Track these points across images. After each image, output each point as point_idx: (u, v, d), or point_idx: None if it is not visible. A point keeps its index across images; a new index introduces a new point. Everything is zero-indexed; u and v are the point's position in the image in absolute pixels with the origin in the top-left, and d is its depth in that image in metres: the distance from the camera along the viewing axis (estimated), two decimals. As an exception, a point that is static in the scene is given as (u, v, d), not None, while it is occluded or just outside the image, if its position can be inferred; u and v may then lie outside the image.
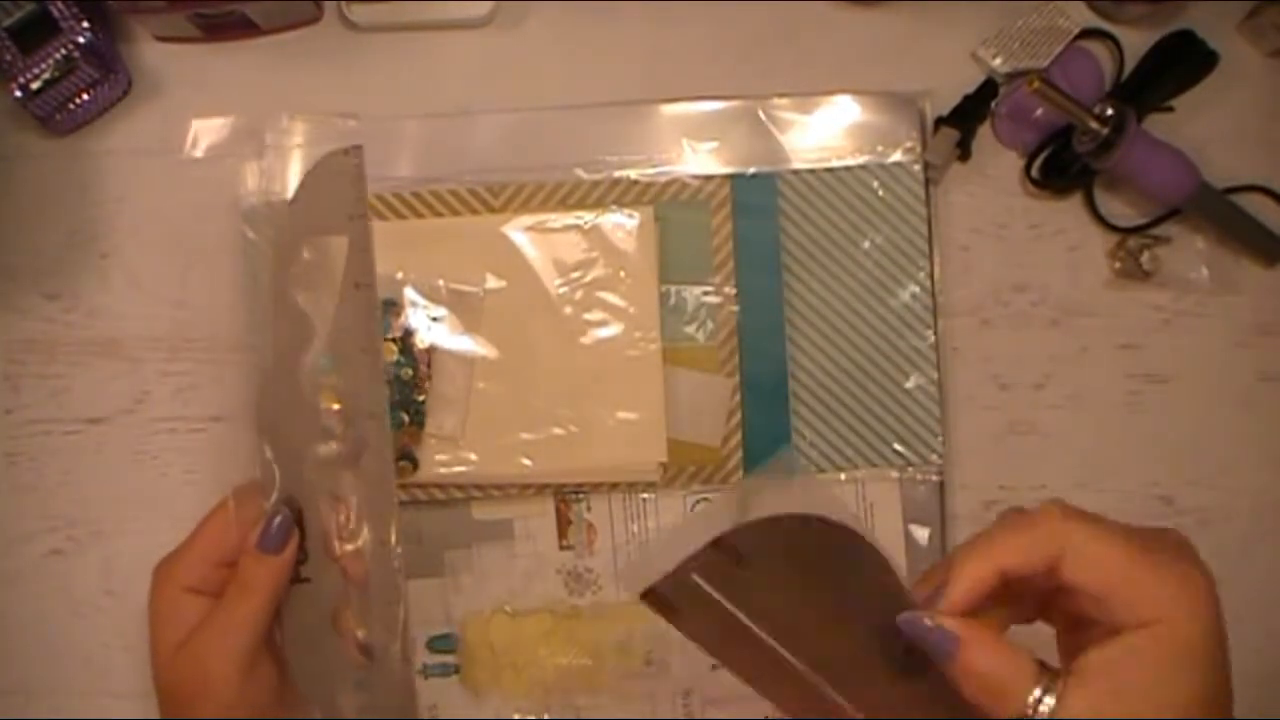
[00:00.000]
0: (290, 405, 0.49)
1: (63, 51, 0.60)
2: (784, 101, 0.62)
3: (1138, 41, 0.63)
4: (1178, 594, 0.39)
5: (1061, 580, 0.40)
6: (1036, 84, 0.59)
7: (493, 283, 0.60)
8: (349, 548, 0.50)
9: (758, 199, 0.61)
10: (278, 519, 0.49)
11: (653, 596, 0.41)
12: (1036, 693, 0.39)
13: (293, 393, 0.49)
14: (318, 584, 0.50)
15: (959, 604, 0.41)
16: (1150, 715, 0.38)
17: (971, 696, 0.40)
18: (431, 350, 0.60)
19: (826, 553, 0.42)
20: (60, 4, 0.60)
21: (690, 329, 0.61)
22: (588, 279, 0.60)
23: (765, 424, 0.61)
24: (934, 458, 0.61)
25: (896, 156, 0.62)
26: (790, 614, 0.42)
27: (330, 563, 0.49)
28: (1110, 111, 0.60)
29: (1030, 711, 0.39)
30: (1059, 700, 0.39)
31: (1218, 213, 0.62)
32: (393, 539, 0.49)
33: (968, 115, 0.62)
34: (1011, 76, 0.63)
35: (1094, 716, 0.38)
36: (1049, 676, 0.39)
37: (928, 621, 0.40)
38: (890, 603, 0.41)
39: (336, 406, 0.59)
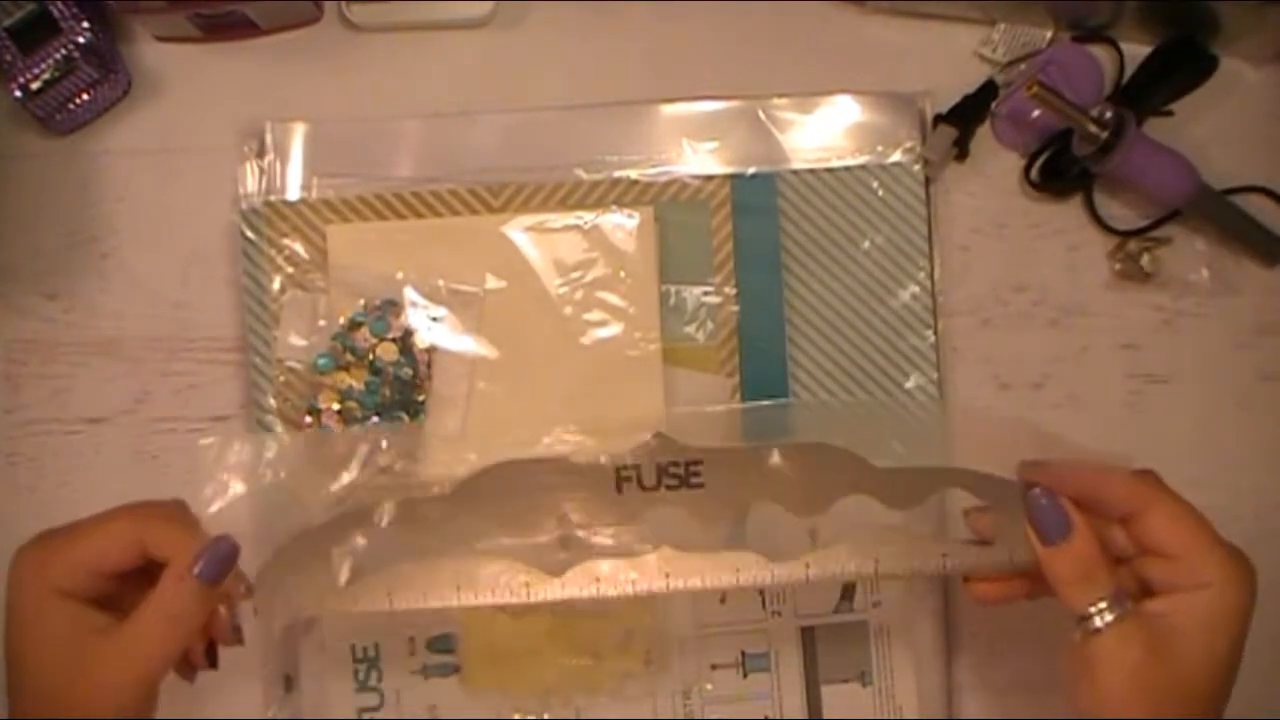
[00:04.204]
0: None
1: (63, 51, 0.60)
2: (784, 101, 0.62)
3: (1138, 44, 0.63)
4: (1233, 569, 0.45)
5: (1141, 533, 0.46)
6: (1035, 88, 0.59)
7: (493, 283, 0.60)
8: None
9: (757, 199, 0.61)
10: (224, 548, 0.47)
11: None
12: (1104, 603, 0.45)
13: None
14: None
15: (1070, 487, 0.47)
16: (1176, 664, 0.44)
17: (1058, 577, 0.46)
18: (431, 350, 0.60)
19: None
20: (60, 4, 0.60)
21: (690, 329, 0.61)
22: (588, 279, 0.60)
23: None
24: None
25: (896, 156, 0.62)
26: None
27: None
28: (1109, 115, 0.60)
29: (1093, 610, 0.45)
30: (1114, 618, 0.44)
31: (1218, 214, 0.62)
32: None
33: (967, 114, 0.62)
34: (1010, 66, 0.63)
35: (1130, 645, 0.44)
36: (1121, 594, 0.45)
37: (1045, 501, 0.46)
38: None
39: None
